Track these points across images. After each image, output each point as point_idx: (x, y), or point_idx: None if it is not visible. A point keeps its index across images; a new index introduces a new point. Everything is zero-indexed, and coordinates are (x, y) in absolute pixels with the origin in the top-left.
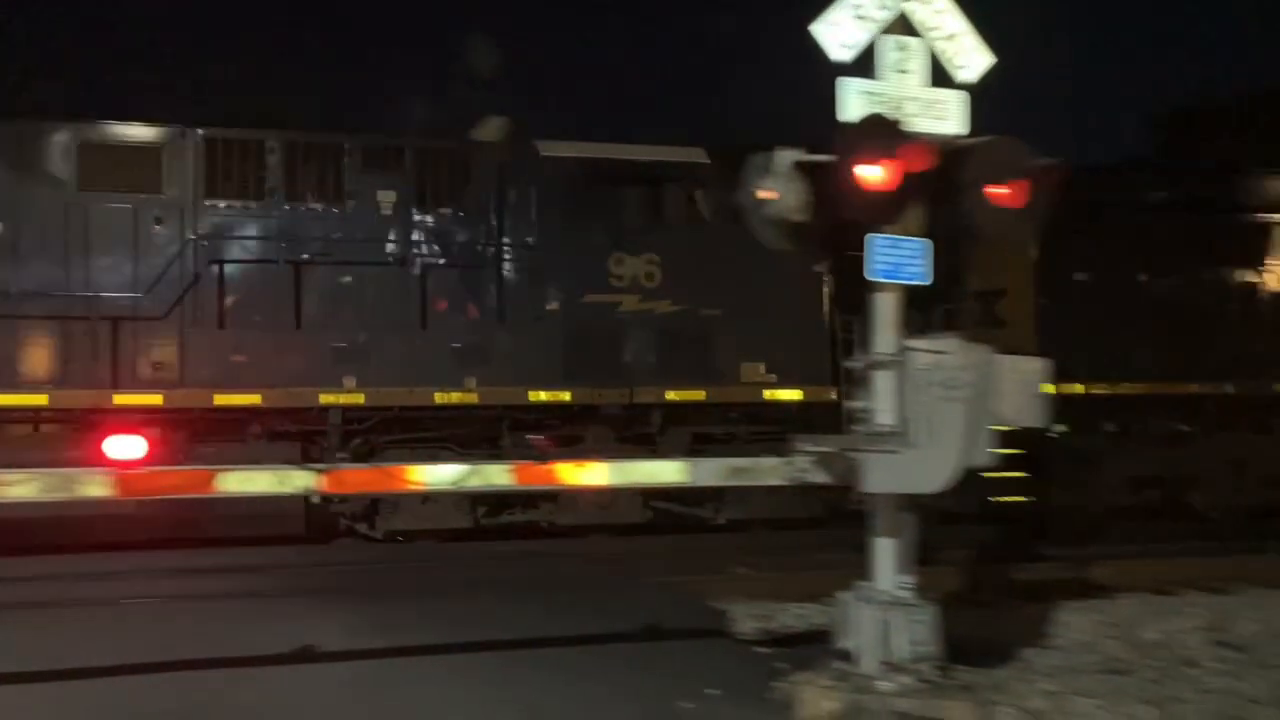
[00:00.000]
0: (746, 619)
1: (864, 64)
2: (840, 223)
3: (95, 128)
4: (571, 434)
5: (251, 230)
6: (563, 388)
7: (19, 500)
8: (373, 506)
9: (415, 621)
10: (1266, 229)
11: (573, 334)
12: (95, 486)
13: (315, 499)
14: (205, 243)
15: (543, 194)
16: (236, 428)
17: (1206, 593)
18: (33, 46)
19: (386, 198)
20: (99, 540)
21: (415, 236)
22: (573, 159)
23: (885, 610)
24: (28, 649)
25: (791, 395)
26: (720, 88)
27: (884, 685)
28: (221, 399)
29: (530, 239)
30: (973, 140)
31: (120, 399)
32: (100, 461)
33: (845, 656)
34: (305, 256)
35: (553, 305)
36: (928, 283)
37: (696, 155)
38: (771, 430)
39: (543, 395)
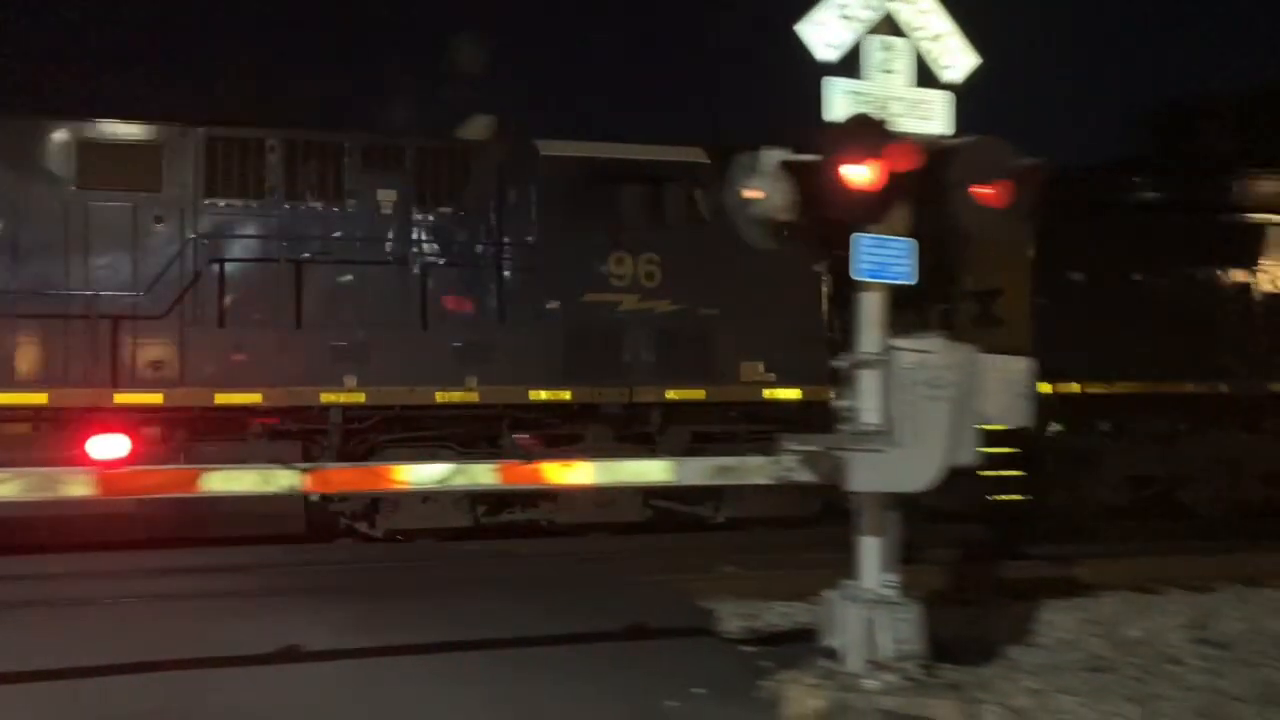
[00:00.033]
0: (733, 618)
1: (850, 64)
2: (829, 222)
3: (95, 125)
4: (571, 433)
5: (252, 229)
6: (563, 387)
7: (1, 500)
8: (373, 505)
9: (402, 621)
10: (1262, 229)
11: (573, 333)
12: (77, 486)
13: (315, 498)
14: (205, 241)
15: (543, 193)
16: (237, 427)
17: (1189, 591)
18: (33, 43)
19: (387, 197)
20: (98, 539)
21: (415, 235)
22: (573, 158)
23: (870, 609)
24: (11, 648)
25: (790, 394)
26: (721, 87)
27: (869, 683)
28: (222, 398)
29: (530, 238)
30: (958, 140)
31: (120, 398)
32: (88, 461)
33: (831, 655)
34: (305, 255)
35: (553, 304)
36: (913, 282)
37: (696, 155)
38: (770, 429)
39: (543, 394)
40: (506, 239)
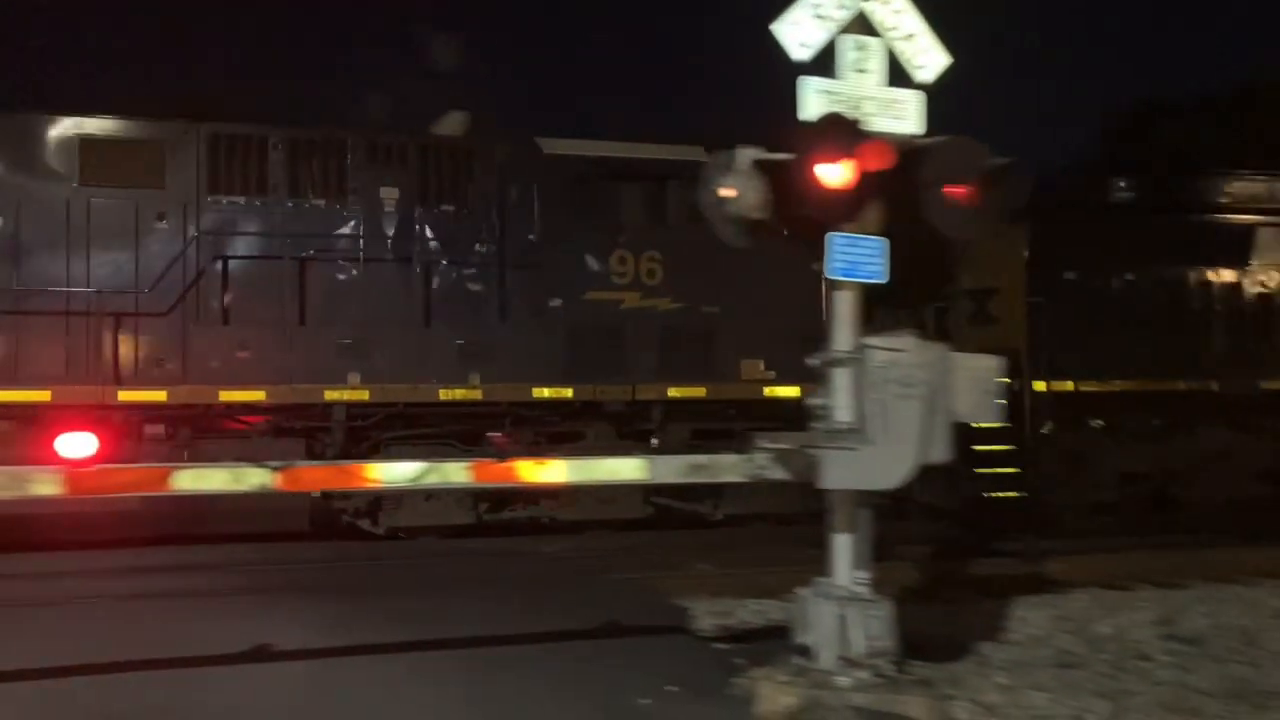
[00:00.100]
0: (706, 615)
1: (825, 63)
2: (802, 220)
3: (98, 122)
4: (573, 430)
5: (255, 226)
6: (565, 384)
7: None
8: (375, 503)
9: (379, 620)
10: (1254, 230)
11: (575, 331)
12: (45, 485)
13: (316, 494)
14: (208, 239)
15: (545, 191)
16: (240, 424)
17: (1159, 587)
18: (35, 40)
19: (389, 194)
20: (98, 538)
21: (418, 233)
22: (575, 157)
23: (842, 606)
24: None
25: (790, 392)
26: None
27: (841, 680)
28: (226, 395)
29: (532, 236)
30: (930, 140)
31: (124, 395)
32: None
33: (804, 652)
34: (308, 253)
35: (555, 302)
36: (885, 281)
37: (697, 153)
38: (770, 426)
39: (545, 392)
40: (509, 237)
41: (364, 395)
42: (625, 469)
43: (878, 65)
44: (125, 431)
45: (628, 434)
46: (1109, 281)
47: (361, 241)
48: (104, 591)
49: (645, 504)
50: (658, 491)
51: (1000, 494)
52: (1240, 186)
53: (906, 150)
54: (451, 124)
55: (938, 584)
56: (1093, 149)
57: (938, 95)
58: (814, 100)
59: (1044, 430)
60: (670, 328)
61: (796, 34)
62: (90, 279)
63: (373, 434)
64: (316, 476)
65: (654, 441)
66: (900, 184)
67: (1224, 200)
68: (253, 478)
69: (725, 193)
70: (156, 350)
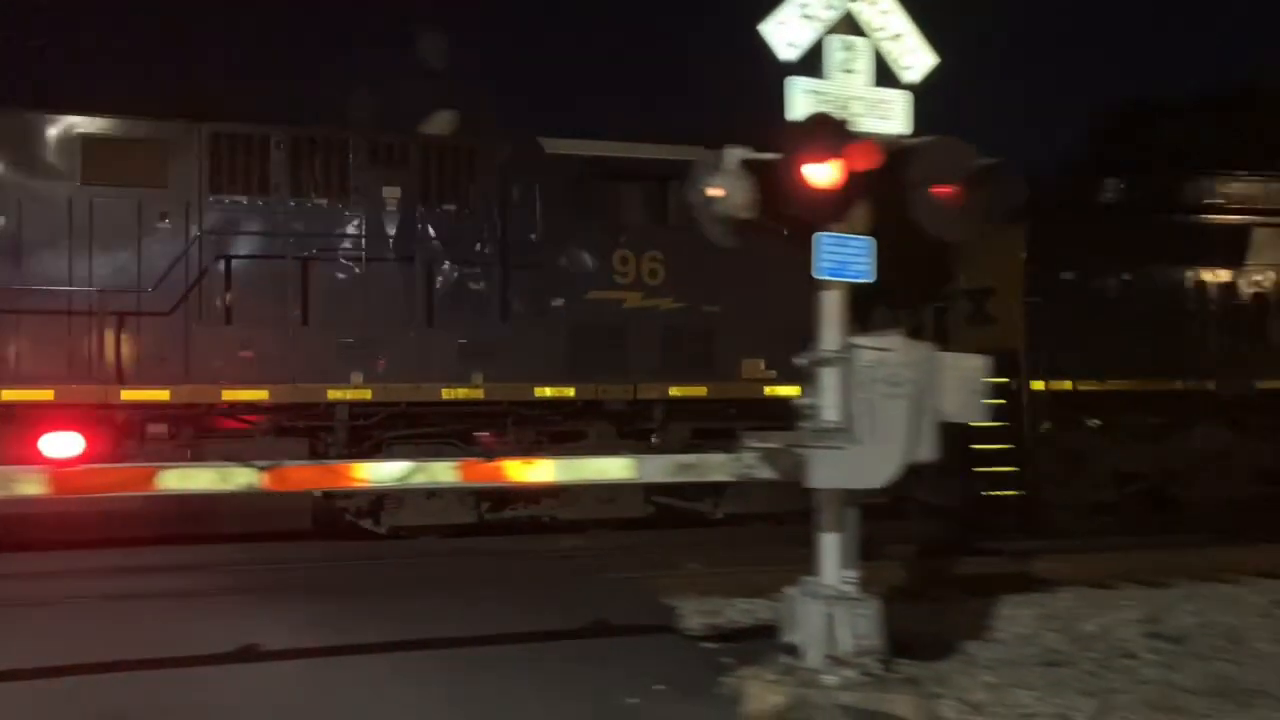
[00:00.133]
0: (695, 615)
1: (813, 63)
2: (790, 220)
3: (100, 121)
4: (575, 429)
5: (257, 226)
6: (567, 384)
7: None
8: (378, 503)
9: (366, 620)
10: (1250, 230)
11: (577, 330)
12: (30, 485)
13: (318, 494)
14: (211, 238)
15: (547, 191)
16: (243, 424)
17: (1144, 586)
18: (35, 40)
19: (392, 194)
20: (99, 536)
21: (420, 232)
22: (576, 156)
23: (829, 604)
24: None
25: (791, 391)
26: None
27: (828, 679)
28: (229, 395)
29: (534, 236)
30: (917, 140)
31: (127, 394)
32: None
33: (791, 651)
34: (311, 252)
35: (557, 302)
36: (872, 280)
37: (699, 153)
38: (772, 425)
39: (547, 391)
40: (511, 236)
41: (366, 394)
42: (613, 468)
43: (865, 65)
44: (128, 431)
45: (629, 433)
46: (1107, 281)
47: (364, 241)
48: (96, 591)
49: (646, 503)
50: (658, 490)
51: (999, 493)
52: (1238, 187)
53: (893, 150)
54: (440, 123)
55: (925, 583)
56: (1080, 149)
57: (925, 95)
58: (801, 100)
59: (1042, 429)
60: (672, 327)
61: (784, 34)
62: (92, 278)
63: (375, 433)
64: (304, 476)
65: (654, 440)
66: (887, 184)
67: (1221, 201)
68: (239, 477)
69: (713, 192)
70: (159, 350)
